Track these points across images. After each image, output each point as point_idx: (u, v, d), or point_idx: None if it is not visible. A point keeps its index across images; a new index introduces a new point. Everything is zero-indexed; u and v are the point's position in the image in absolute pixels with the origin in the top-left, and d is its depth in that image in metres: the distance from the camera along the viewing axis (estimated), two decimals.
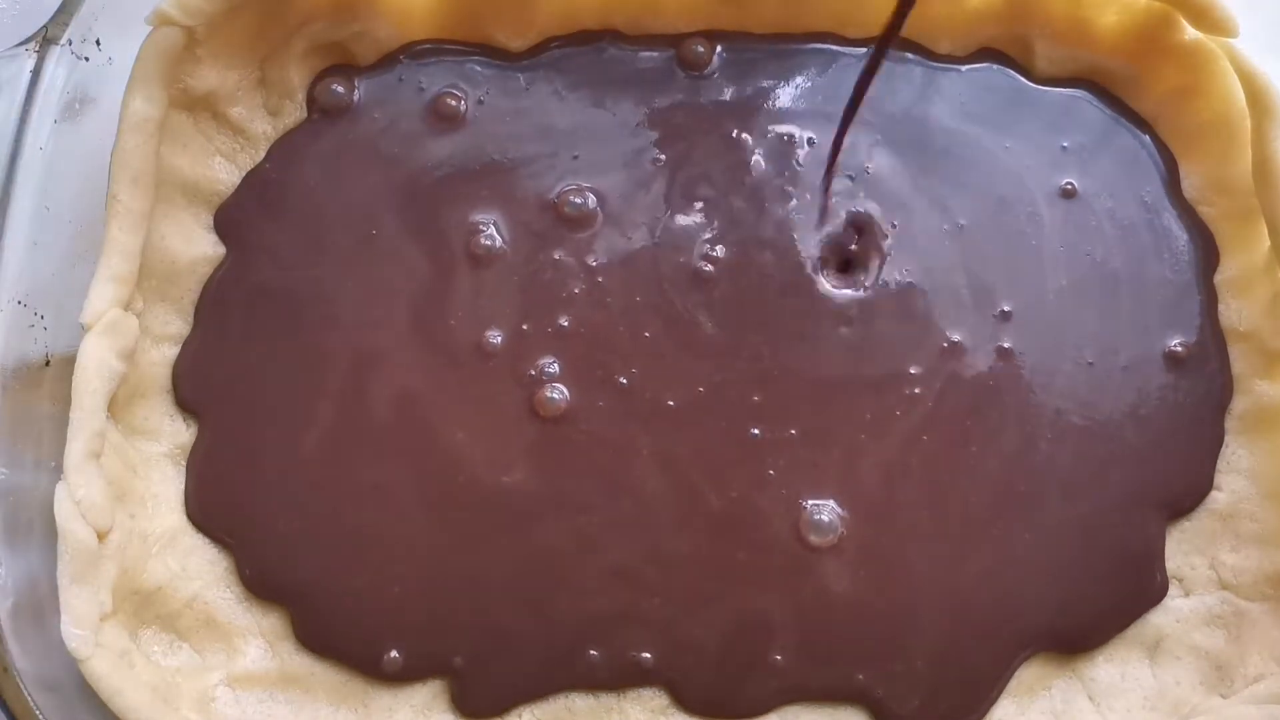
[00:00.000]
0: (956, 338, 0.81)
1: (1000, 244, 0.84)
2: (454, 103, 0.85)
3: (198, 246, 0.83)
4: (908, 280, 0.83)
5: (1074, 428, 0.80)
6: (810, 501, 0.78)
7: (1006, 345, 0.81)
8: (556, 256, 0.82)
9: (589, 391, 0.80)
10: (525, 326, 0.81)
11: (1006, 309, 0.82)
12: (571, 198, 0.83)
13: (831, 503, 0.78)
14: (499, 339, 0.80)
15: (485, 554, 0.77)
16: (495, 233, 0.82)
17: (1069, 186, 0.85)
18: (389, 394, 0.80)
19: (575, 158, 0.84)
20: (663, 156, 0.85)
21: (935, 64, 0.88)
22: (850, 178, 0.85)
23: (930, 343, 0.81)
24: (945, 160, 0.85)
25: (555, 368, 0.80)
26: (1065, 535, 0.79)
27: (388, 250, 0.82)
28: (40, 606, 0.71)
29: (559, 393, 0.79)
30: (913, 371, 0.80)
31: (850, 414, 0.80)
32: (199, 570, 0.78)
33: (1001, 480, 0.79)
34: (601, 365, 0.80)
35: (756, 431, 0.79)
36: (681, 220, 0.83)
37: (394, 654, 0.76)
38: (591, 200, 0.83)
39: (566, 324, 0.81)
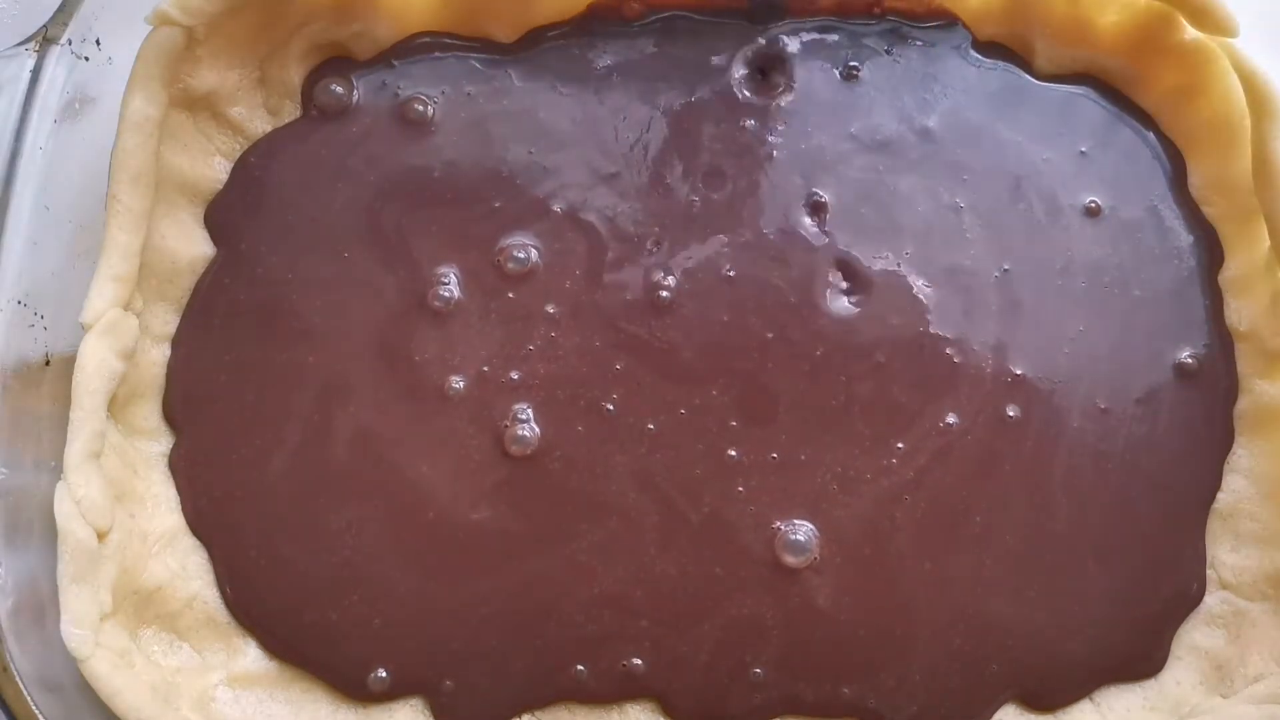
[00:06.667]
0: (952, 419, 0.80)
1: (1033, 292, 0.83)
2: (421, 108, 0.85)
3: (198, 246, 0.83)
4: (935, 332, 0.82)
5: (1087, 476, 0.80)
6: (786, 523, 0.78)
7: (1012, 413, 0.80)
8: (511, 296, 0.82)
9: (563, 424, 0.80)
10: (486, 369, 0.81)
11: (1018, 371, 0.81)
12: (514, 252, 0.82)
13: (808, 524, 0.78)
14: (462, 382, 0.80)
15: (467, 588, 0.77)
16: (455, 277, 0.82)
17: (1092, 205, 0.84)
18: (355, 430, 0.80)
19: (536, 181, 0.84)
20: (625, 171, 0.85)
21: (937, 59, 0.88)
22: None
23: (930, 412, 0.80)
24: (977, 180, 0.85)
25: (525, 407, 0.80)
26: (1086, 568, 0.79)
27: (357, 276, 0.82)
28: (40, 606, 0.71)
29: (530, 430, 0.79)
30: (900, 445, 0.80)
31: (831, 448, 0.80)
32: (199, 570, 0.78)
33: (1007, 512, 0.79)
34: (574, 399, 0.80)
35: (733, 453, 0.79)
36: (638, 244, 0.83)
37: (381, 673, 0.76)
38: (534, 254, 0.82)
39: (520, 375, 0.80)
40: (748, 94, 0.86)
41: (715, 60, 0.87)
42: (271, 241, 0.83)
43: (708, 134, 0.85)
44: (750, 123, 0.86)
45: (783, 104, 0.86)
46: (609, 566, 0.78)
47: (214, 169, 0.84)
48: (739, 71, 0.86)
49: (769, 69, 0.87)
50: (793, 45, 0.87)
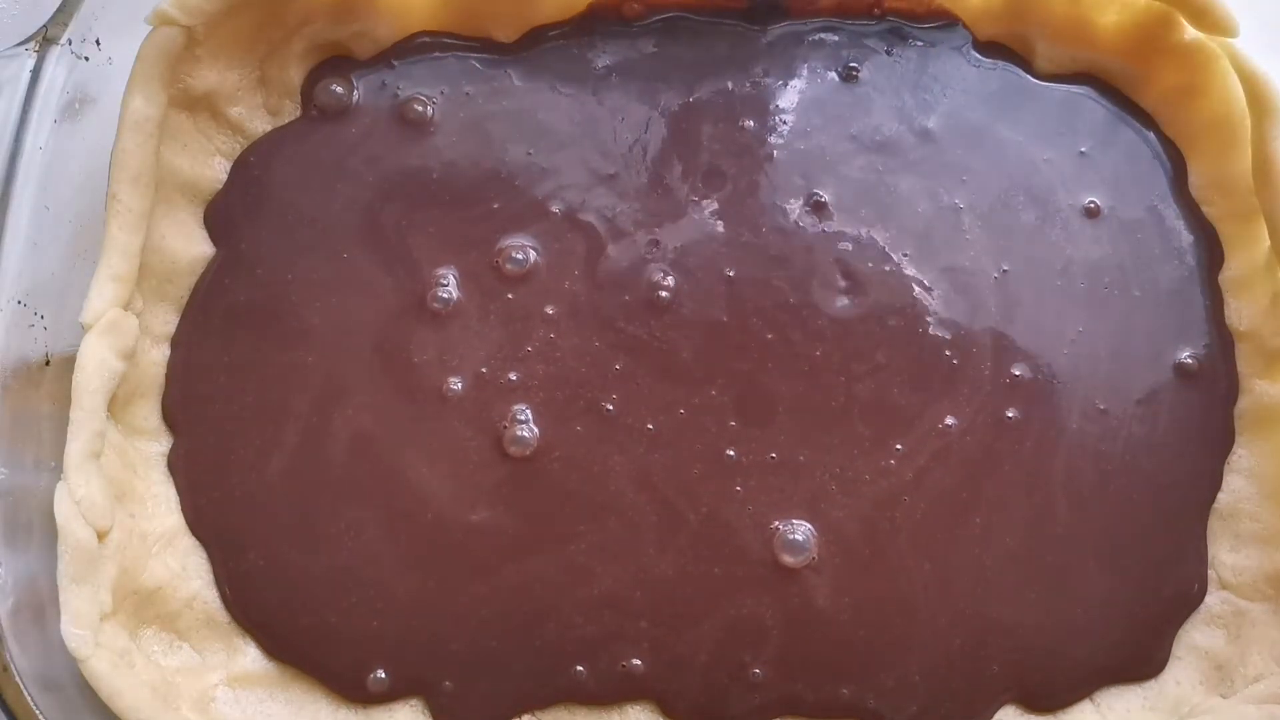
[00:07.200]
0: (950, 420, 0.80)
1: (1032, 292, 0.83)
2: (421, 108, 0.85)
3: (197, 246, 0.83)
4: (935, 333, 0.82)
5: (1087, 477, 0.80)
6: (785, 522, 0.78)
7: (1011, 415, 0.80)
8: (510, 297, 0.82)
9: (562, 425, 0.80)
10: (485, 370, 0.81)
11: (1017, 373, 0.81)
12: (513, 254, 0.82)
13: (806, 524, 0.78)
14: (461, 383, 0.80)
15: (466, 589, 0.77)
16: (454, 278, 0.82)
17: (1092, 205, 0.84)
18: (354, 432, 0.80)
19: (536, 183, 0.84)
20: (624, 172, 0.85)
21: (937, 59, 0.88)
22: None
23: (929, 413, 0.80)
24: (977, 181, 0.85)
25: (524, 408, 0.80)
26: (1087, 569, 0.79)
27: (357, 276, 0.82)
28: (40, 606, 0.71)
29: (529, 431, 0.79)
30: (899, 446, 0.80)
31: (830, 448, 0.80)
32: (198, 570, 0.78)
33: (1007, 513, 0.79)
34: (573, 400, 0.80)
35: (732, 453, 0.79)
36: (637, 244, 0.83)
37: (380, 674, 0.76)
38: (532, 255, 0.82)
39: (519, 376, 0.80)
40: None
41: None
42: (271, 242, 0.83)
43: (707, 134, 0.85)
44: (749, 123, 0.86)
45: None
46: (608, 567, 0.78)
47: (214, 169, 0.84)
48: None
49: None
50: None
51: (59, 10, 0.77)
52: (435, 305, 0.82)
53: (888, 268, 0.83)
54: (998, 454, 0.80)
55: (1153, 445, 0.81)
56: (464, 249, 0.83)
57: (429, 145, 0.85)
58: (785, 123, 0.86)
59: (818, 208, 0.84)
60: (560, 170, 0.84)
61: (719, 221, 0.84)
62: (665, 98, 0.86)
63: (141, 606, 0.76)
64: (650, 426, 0.80)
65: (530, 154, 0.85)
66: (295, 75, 0.86)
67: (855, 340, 0.81)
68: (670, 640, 0.77)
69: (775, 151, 0.85)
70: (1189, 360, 0.82)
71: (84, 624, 0.70)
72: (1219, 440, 0.82)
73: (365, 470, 0.79)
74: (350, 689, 0.77)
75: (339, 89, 0.86)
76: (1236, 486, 0.81)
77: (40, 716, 0.67)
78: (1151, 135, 0.87)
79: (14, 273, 0.74)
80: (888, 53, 0.87)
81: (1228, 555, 0.80)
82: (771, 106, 0.86)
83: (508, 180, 0.84)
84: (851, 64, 0.87)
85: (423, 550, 0.78)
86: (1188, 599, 0.79)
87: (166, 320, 0.82)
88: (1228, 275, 0.84)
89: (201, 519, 0.79)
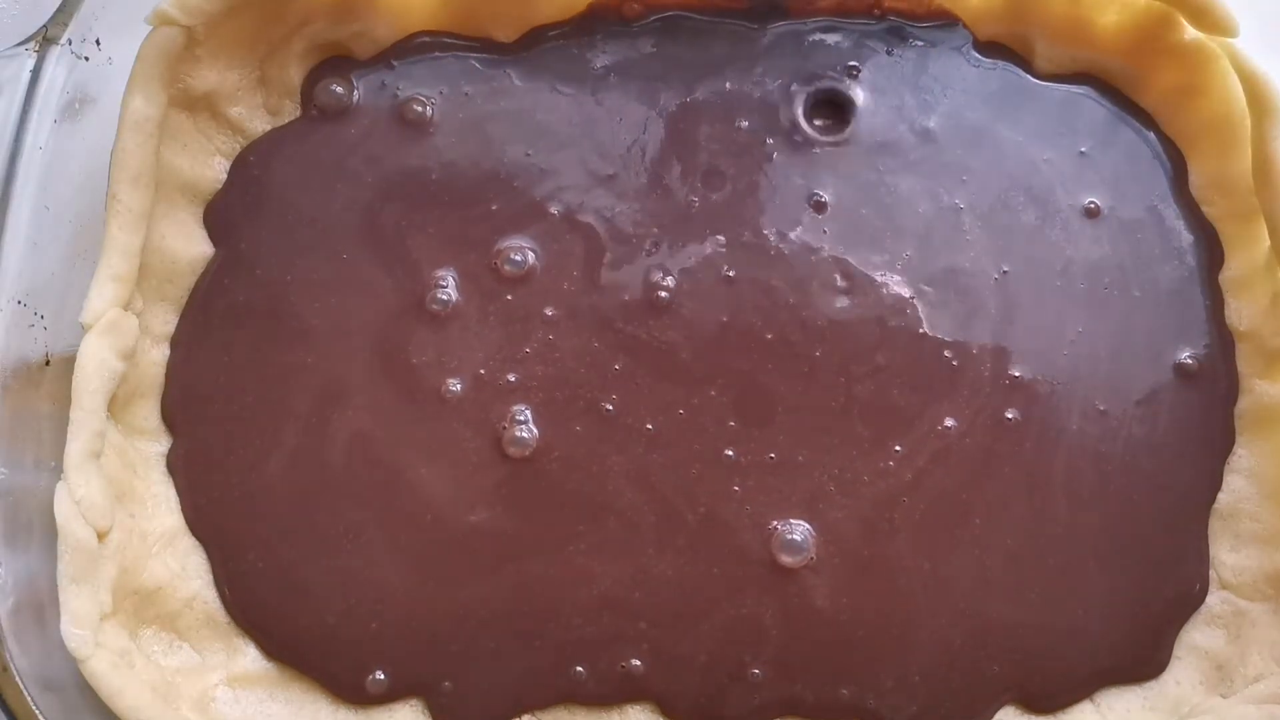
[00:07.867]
0: (950, 421, 0.80)
1: (1032, 293, 0.83)
2: (420, 108, 0.85)
3: (197, 246, 0.83)
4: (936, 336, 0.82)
5: (1087, 477, 0.80)
6: (783, 522, 0.78)
7: (1010, 416, 0.80)
8: (509, 299, 0.82)
9: (561, 426, 0.80)
10: (483, 371, 0.81)
11: (1017, 374, 0.81)
12: (512, 255, 0.82)
13: (804, 524, 0.78)
14: (459, 385, 0.80)
15: (466, 590, 0.77)
16: (453, 280, 0.82)
17: (1092, 205, 0.84)
18: (353, 433, 0.80)
19: (537, 184, 0.84)
20: (623, 172, 0.85)
21: (937, 59, 0.88)
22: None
23: (928, 414, 0.80)
24: (978, 180, 0.85)
25: (523, 409, 0.80)
26: (1087, 569, 0.79)
27: (356, 277, 0.82)
28: (40, 606, 0.71)
29: (528, 431, 0.79)
30: (898, 448, 0.80)
31: (829, 449, 0.80)
32: (198, 570, 0.78)
33: (1007, 514, 0.79)
34: (572, 400, 0.80)
35: (731, 453, 0.79)
36: (636, 245, 0.83)
37: (379, 675, 0.77)
38: (531, 257, 0.82)
39: (518, 377, 0.80)
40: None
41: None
42: (270, 242, 0.83)
43: (706, 134, 0.85)
44: (748, 123, 0.86)
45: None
46: (607, 567, 0.78)
47: (214, 169, 0.84)
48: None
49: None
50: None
51: (59, 10, 0.77)
52: (434, 306, 0.82)
53: (887, 268, 0.83)
54: (997, 455, 0.80)
55: (1153, 446, 0.81)
56: (463, 250, 0.83)
57: (428, 145, 0.85)
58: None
59: (817, 208, 0.84)
60: (559, 171, 0.84)
61: (719, 222, 0.83)
62: (665, 98, 0.86)
63: (141, 606, 0.76)
64: (649, 427, 0.80)
65: (529, 154, 0.85)
66: (295, 75, 0.86)
67: (855, 341, 0.81)
68: (670, 641, 0.77)
69: (775, 152, 0.85)
70: (1189, 360, 0.82)
71: (84, 624, 0.70)
72: (1219, 440, 0.82)
73: (365, 471, 0.79)
74: (349, 691, 0.77)
75: (339, 89, 0.86)
76: (1237, 486, 0.81)
77: (40, 716, 0.68)
78: (1151, 135, 0.87)
79: (14, 273, 0.74)
80: (888, 53, 0.87)
81: (1228, 555, 0.80)
82: (771, 106, 0.86)
83: (507, 181, 0.84)
84: (851, 64, 0.87)
85: (422, 551, 0.78)
86: (1188, 599, 0.79)
87: (166, 320, 0.82)
88: (1228, 275, 0.84)
89: (201, 519, 0.79)
